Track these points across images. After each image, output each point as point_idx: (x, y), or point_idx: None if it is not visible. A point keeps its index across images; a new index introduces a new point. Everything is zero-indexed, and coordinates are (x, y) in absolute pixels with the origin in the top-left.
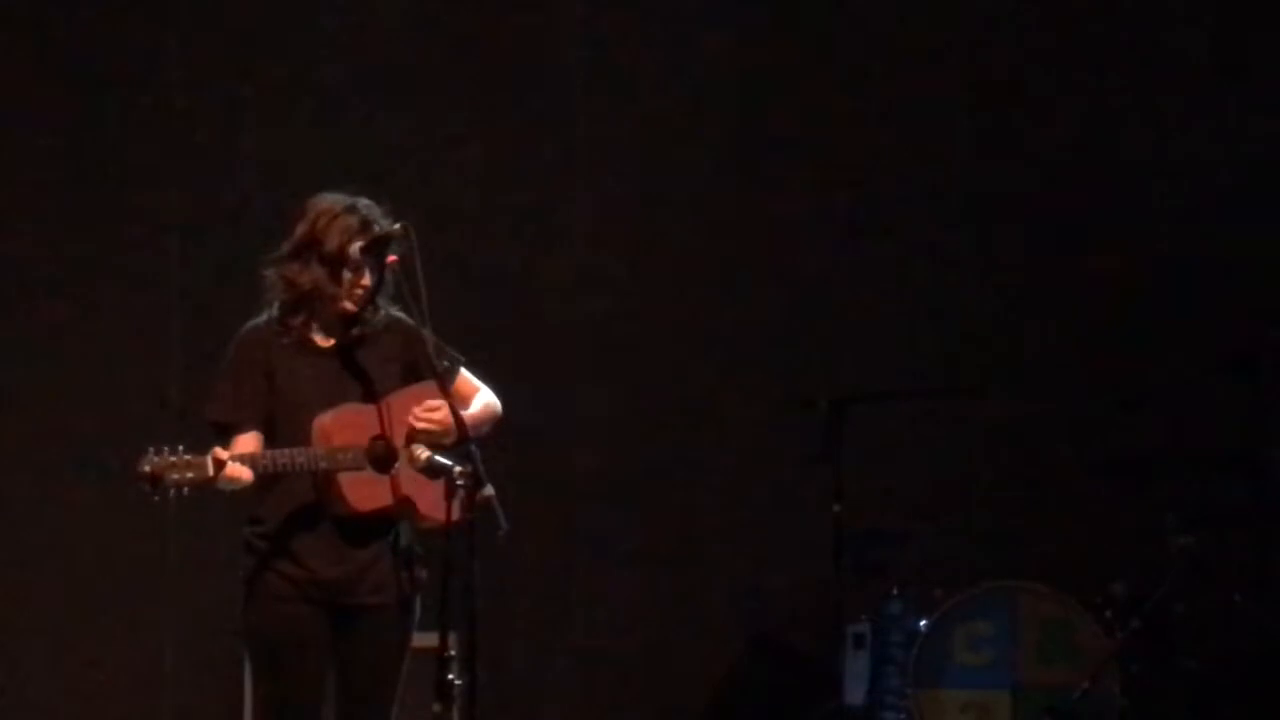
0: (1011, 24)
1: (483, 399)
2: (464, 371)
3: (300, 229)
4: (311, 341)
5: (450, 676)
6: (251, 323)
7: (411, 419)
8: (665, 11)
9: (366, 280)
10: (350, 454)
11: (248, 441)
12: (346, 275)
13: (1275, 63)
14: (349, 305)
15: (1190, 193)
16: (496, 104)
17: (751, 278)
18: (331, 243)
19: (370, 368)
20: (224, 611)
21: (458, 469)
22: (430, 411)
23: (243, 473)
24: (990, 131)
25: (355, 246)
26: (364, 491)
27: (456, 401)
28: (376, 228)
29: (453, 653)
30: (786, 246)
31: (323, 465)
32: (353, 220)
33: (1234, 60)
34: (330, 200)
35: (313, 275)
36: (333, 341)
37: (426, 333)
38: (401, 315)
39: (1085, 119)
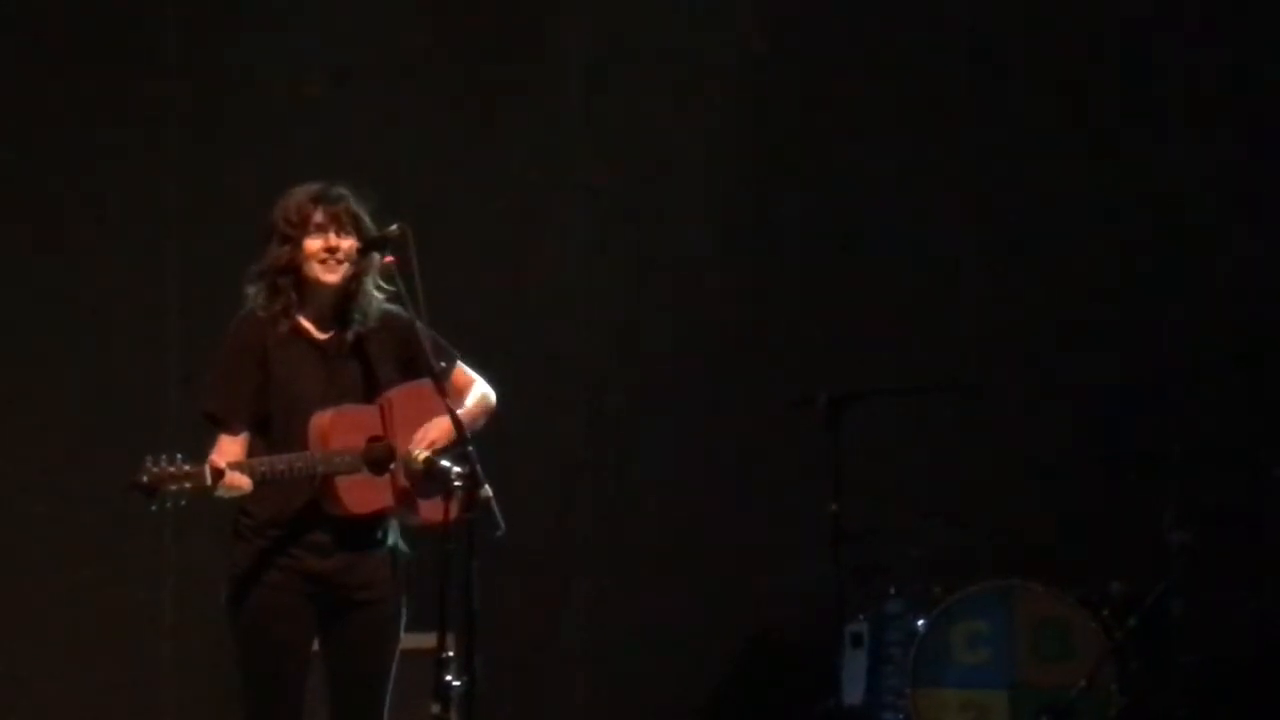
0: (1014, 22)
1: (478, 391)
2: (459, 364)
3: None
4: (307, 333)
5: (448, 678)
6: (244, 312)
7: (416, 444)
8: (669, 13)
9: (335, 241)
10: (347, 458)
11: (236, 441)
12: (312, 243)
13: (1277, 64)
14: (326, 276)
15: (1192, 191)
16: (497, 101)
17: (750, 275)
18: (282, 214)
19: (368, 364)
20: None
21: (455, 470)
22: (428, 434)
23: (242, 481)
24: (990, 131)
25: (318, 211)
26: (361, 494)
27: (453, 398)
28: (333, 192)
29: (451, 654)
30: (785, 244)
31: (320, 470)
32: (308, 188)
33: (1236, 63)
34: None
35: (279, 251)
36: (328, 336)
37: (421, 327)
38: (396, 309)
39: (1086, 118)
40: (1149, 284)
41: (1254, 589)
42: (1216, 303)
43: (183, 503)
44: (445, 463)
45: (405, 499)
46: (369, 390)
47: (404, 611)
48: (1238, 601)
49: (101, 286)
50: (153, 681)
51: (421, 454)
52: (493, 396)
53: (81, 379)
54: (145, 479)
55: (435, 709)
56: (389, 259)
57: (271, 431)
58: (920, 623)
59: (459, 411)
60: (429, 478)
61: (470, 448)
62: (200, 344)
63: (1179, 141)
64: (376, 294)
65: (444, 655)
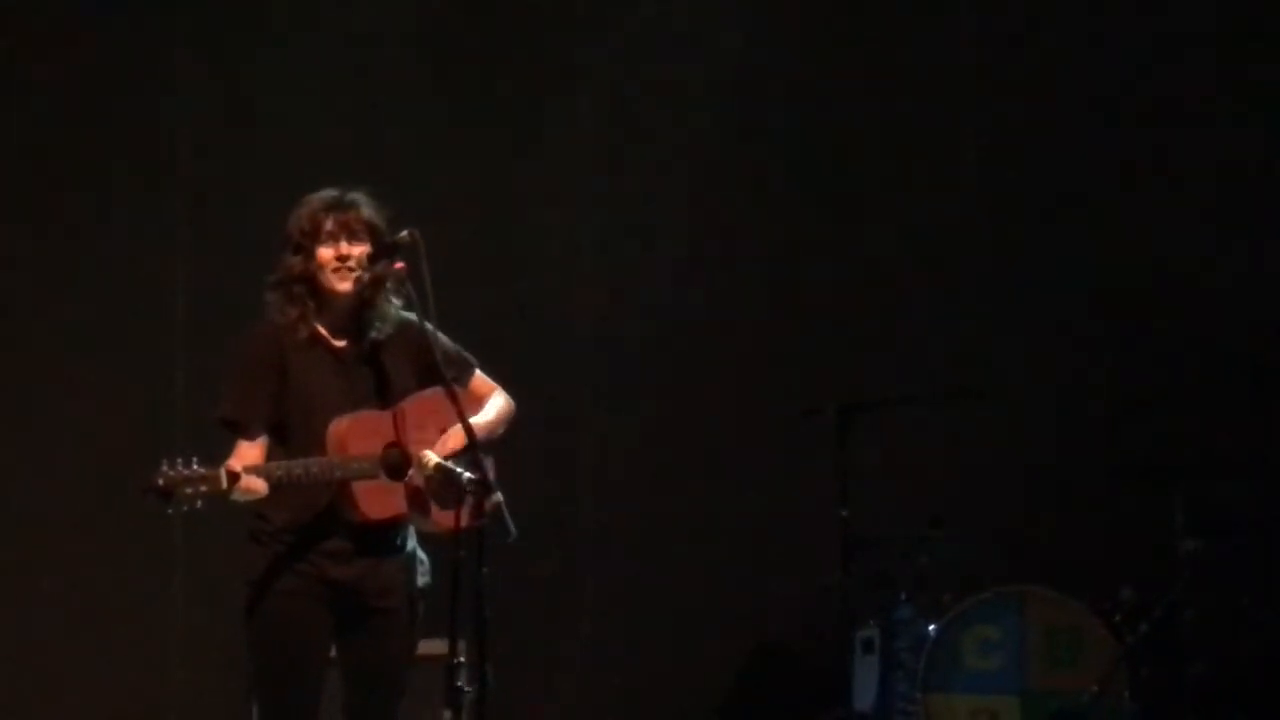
0: (1018, 26)
1: (498, 400)
2: (478, 373)
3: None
4: (324, 340)
5: (460, 683)
6: (261, 321)
7: (437, 452)
8: (672, 18)
9: (345, 249)
10: (365, 463)
11: (254, 447)
12: (324, 252)
13: (1277, 72)
14: (339, 284)
15: (1198, 197)
16: (500, 110)
17: (757, 284)
18: (296, 223)
19: (385, 371)
20: (232, 607)
21: (466, 476)
22: (448, 443)
23: (257, 485)
24: (995, 135)
25: (329, 220)
26: (378, 500)
27: (473, 406)
28: (346, 200)
29: (462, 660)
30: (793, 253)
31: (337, 475)
32: (322, 196)
33: (1239, 67)
34: (308, 195)
35: (294, 261)
36: (346, 343)
37: (440, 336)
38: (412, 317)
39: (1088, 122)
40: (1159, 291)
41: (1264, 597)
42: (1227, 308)
43: (198, 505)
44: (457, 469)
45: (419, 505)
46: (385, 397)
47: (420, 616)
48: (1248, 609)
49: (109, 287)
50: (162, 681)
51: (432, 460)
52: (511, 405)
53: (88, 381)
54: (161, 482)
55: (447, 715)
56: (399, 265)
57: (289, 437)
58: (931, 628)
59: (478, 420)
60: (441, 484)
61: (482, 454)
62: (208, 345)
63: (1186, 147)
64: (395, 301)
65: (456, 661)
